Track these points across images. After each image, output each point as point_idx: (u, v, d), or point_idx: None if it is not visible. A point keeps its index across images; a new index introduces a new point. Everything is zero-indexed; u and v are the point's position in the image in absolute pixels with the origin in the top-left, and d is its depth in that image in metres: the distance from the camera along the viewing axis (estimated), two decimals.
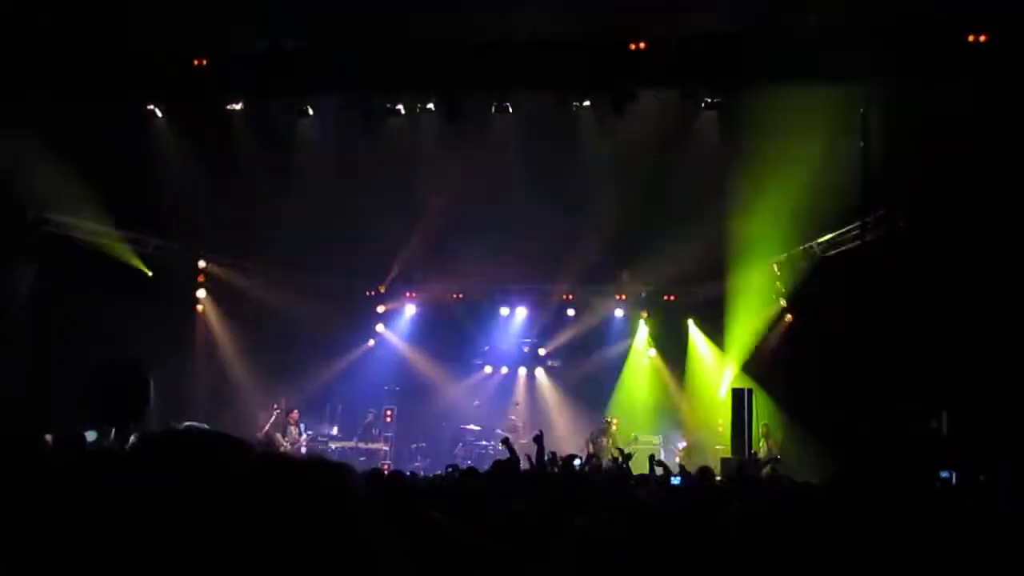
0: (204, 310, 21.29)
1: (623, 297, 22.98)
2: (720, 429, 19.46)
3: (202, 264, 21.27)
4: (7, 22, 14.84)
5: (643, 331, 22.99)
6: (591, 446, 18.97)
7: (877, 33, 13.85)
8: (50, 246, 17.45)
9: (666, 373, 22.30)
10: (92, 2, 14.80)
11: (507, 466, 9.07)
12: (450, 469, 11.12)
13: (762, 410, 18.44)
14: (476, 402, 22.76)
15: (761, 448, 18.00)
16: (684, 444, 20.62)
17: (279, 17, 15.44)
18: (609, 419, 20.49)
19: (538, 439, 10.44)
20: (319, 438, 20.00)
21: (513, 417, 21.79)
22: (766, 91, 15.13)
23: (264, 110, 17.51)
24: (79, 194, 17.10)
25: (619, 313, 23.16)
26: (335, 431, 20.94)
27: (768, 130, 15.26)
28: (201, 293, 21.27)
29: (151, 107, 17.18)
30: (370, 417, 21.31)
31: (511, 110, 16.48)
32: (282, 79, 16.17)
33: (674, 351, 22.23)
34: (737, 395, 18.32)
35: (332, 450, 19.56)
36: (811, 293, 17.78)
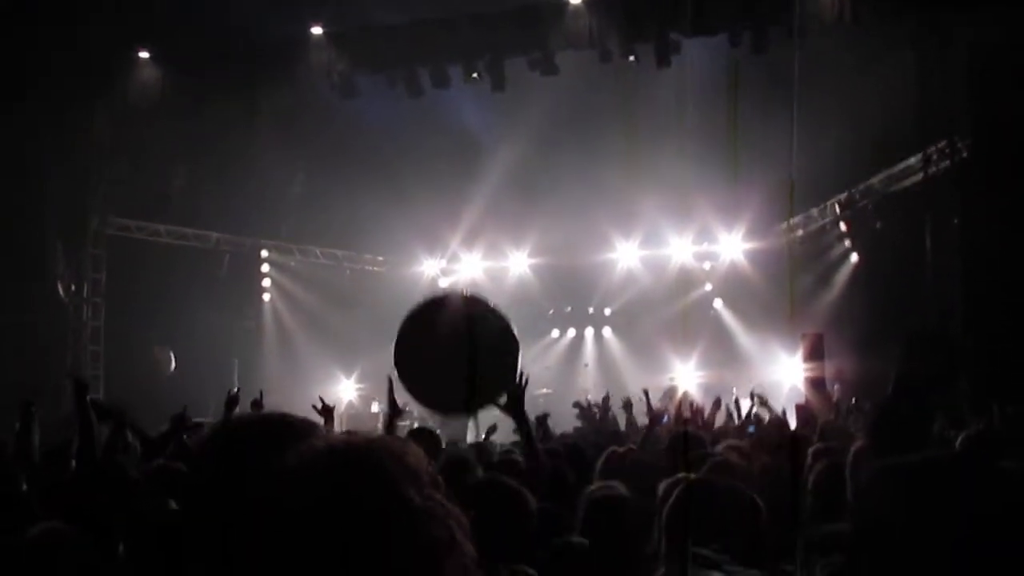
0: (271, 298, 21.62)
1: (685, 252, 22.67)
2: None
3: (264, 253, 21.55)
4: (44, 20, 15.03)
5: (708, 284, 22.72)
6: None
7: None
8: (115, 247, 17.87)
9: (734, 323, 21.99)
10: None
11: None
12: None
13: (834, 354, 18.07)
14: (546, 366, 22.77)
15: (835, 392, 17.65)
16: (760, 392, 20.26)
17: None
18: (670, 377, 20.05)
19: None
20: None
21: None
22: (815, 31, 14.84)
23: (313, 93, 17.57)
24: (137, 195, 17.49)
25: (683, 266, 22.79)
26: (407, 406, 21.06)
27: (819, 70, 14.95)
28: (266, 282, 21.60)
29: None
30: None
31: (558, 73, 16.26)
32: (330, 58, 16.25)
33: (741, 301, 21.88)
34: (808, 340, 17.95)
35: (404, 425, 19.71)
36: (876, 232, 17.43)
